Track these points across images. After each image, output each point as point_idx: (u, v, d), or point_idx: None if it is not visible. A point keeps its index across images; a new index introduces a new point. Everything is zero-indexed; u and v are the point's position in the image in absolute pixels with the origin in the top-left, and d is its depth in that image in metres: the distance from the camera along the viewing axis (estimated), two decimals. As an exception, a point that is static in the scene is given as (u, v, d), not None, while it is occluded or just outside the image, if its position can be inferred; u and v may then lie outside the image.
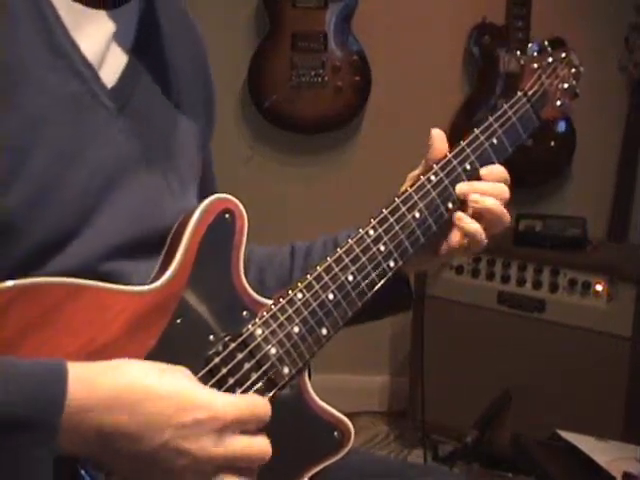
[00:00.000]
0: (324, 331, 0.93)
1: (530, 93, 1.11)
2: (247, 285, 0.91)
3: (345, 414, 0.95)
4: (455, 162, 1.03)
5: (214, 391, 0.81)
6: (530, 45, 1.15)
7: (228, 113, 2.74)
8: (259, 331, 0.89)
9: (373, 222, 0.98)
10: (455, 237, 1.02)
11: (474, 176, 1.04)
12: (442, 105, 2.70)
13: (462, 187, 1.03)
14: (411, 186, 1.01)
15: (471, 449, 2.25)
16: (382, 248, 0.97)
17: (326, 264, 0.94)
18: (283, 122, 2.72)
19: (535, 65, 1.13)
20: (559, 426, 1.90)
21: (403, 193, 1.00)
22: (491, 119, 1.07)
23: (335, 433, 0.94)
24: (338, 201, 2.79)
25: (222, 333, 0.88)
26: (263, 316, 0.90)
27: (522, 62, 1.13)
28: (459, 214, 1.01)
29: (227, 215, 0.90)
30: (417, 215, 1.00)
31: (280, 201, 2.78)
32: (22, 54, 0.83)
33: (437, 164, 1.02)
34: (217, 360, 0.86)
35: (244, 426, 0.79)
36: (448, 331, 2.44)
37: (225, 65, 2.47)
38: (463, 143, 1.04)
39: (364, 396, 2.82)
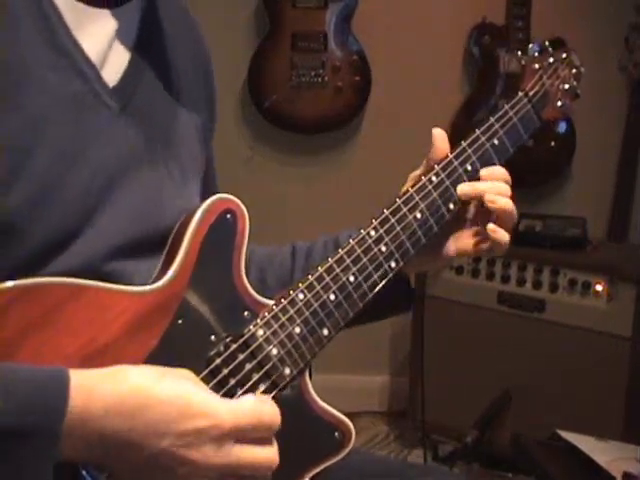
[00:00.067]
0: (325, 332, 0.93)
1: (531, 93, 1.11)
2: (248, 285, 0.91)
3: (345, 414, 0.95)
4: (456, 163, 1.03)
5: (217, 397, 0.79)
6: (531, 45, 1.15)
7: (228, 113, 2.74)
8: (260, 332, 0.89)
9: (374, 223, 0.97)
10: (476, 243, 1.04)
11: (475, 177, 1.04)
12: (442, 105, 2.70)
13: (463, 188, 1.03)
14: (412, 186, 1.01)
15: (471, 449, 2.25)
16: (383, 249, 0.97)
17: (327, 265, 0.94)
18: (283, 122, 2.72)
19: (536, 65, 1.13)
20: (559, 426, 1.90)
21: (404, 194, 1.00)
22: (492, 119, 1.07)
23: (336, 434, 0.94)
24: (338, 201, 2.79)
25: (223, 334, 0.88)
26: (264, 317, 0.90)
27: (523, 62, 1.13)
28: (492, 226, 1.02)
29: (229, 215, 0.90)
30: (418, 216, 1.00)
31: (280, 201, 2.78)
32: (24, 54, 0.83)
33: (438, 164, 1.02)
34: (218, 361, 0.86)
35: (248, 434, 0.78)
36: (448, 331, 2.44)
37: (225, 65, 2.46)
38: (464, 143, 1.04)
39: (364, 396, 2.82)
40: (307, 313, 0.91)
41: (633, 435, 2.05)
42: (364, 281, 0.96)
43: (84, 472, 0.76)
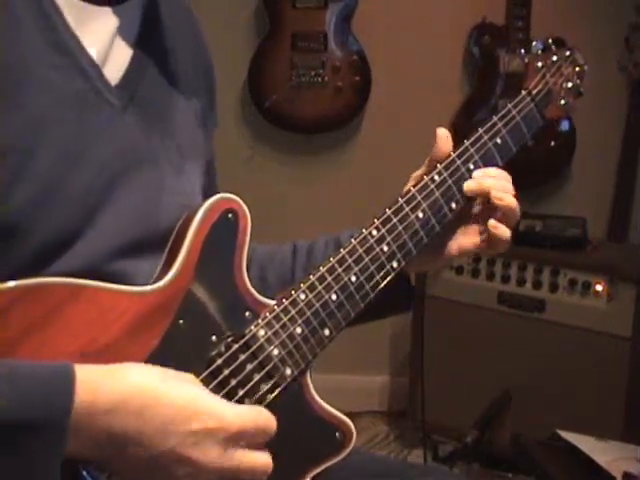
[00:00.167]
0: (327, 332, 0.93)
1: (534, 92, 1.11)
2: (250, 285, 0.91)
3: (345, 414, 0.95)
4: (459, 162, 1.03)
5: (223, 401, 0.80)
6: (534, 43, 1.15)
7: (228, 113, 2.74)
8: (262, 332, 0.89)
9: (376, 222, 0.97)
10: (478, 240, 1.04)
11: None
12: (442, 105, 2.70)
13: (470, 184, 1.03)
14: (414, 186, 1.01)
15: (471, 449, 2.25)
16: (385, 248, 0.97)
17: (329, 265, 0.93)
18: (283, 122, 2.72)
19: (539, 64, 1.13)
20: (559, 426, 1.90)
21: (406, 193, 1.00)
22: (495, 118, 1.07)
23: (337, 434, 0.94)
24: (338, 201, 2.79)
25: (224, 334, 0.88)
26: (266, 317, 0.90)
27: (526, 60, 1.13)
28: (494, 222, 1.02)
29: (230, 215, 0.90)
30: (420, 215, 1.00)
31: (280, 201, 2.78)
32: (25, 53, 0.83)
33: (441, 164, 1.02)
34: (219, 361, 0.86)
35: (250, 439, 0.79)
36: (448, 331, 2.44)
37: (225, 65, 2.45)
38: (467, 142, 1.04)
39: (364, 396, 2.82)
40: (308, 313, 0.91)
41: (633, 435, 2.05)
42: (366, 281, 0.96)
43: (84, 472, 0.76)
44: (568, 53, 1.16)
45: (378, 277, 0.97)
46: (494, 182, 1.03)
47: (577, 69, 1.16)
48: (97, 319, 0.80)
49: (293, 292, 0.91)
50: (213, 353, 0.86)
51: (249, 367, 0.87)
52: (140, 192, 0.90)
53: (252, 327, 0.89)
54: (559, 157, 2.70)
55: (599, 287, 2.26)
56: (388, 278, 0.97)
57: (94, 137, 0.86)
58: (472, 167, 1.04)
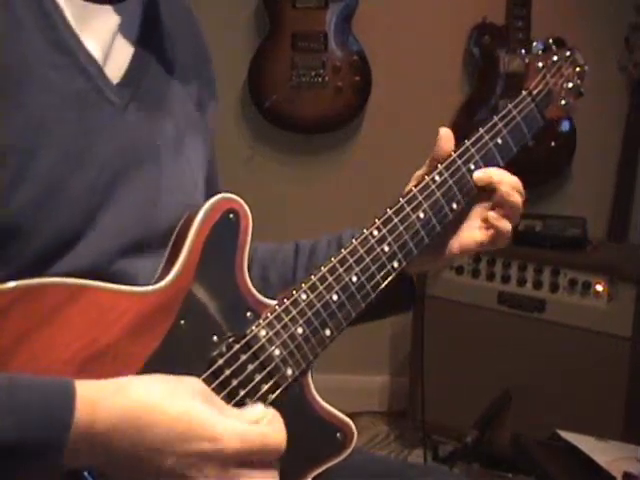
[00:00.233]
0: (327, 332, 0.93)
1: (535, 92, 1.11)
2: (251, 286, 0.91)
3: (345, 414, 0.95)
4: (460, 162, 1.03)
5: (224, 418, 0.78)
6: (535, 43, 1.15)
7: (228, 113, 2.74)
8: (263, 332, 0.89)
9: (377, 222, 0.97)
10: (479, 235, 1.03)
11: None
12: (442, 105, 2.70)
13: (479, 174, 1.03)
14: (415, 186, 1.01)
15: (471, 449, 2.25)
16: (386, 249, 0.97)
17: (330, 265, 0.93)
18: (283, 122, 2.72)
19: (540, 64, 1.13)
20: (559, 426, 1.90)
21: (407, 193, 1.00)
22: (496, 118, 1.07)
23: (338, 434, 0.94)
24: (338, 201, 2.79)
25: (226, 334, 0.88)
26: (267, 317, 0.89)
27: (527, 61, 1.13)
28: (493, 214, 1.02)
29: (231, 215, 0.90)
30: (421, 215, 1.00)
31: (280, 201, 2.78)
32: (25, 53, 0.83)
33: (442, 164, 1.02)
34: (221, 362, 0.86)
35: (253, 457, 0.78)
36: (448, 331, 2.44)
37: (225, 65, 2.45)
38: (468, 143, 1.04)
39: (364, 396, 2.82)
40: (310, 313, 0.91)
41: (633, 435, 2.05)
42: (367, 281, 0.96)
43: (85, 473, 0.76)
44: (568, 53, 1.16)
45: (379, 277, 0.97)
46: (501, 174, 1.03)
47: (577, 69, 1.16)
48: (98, 319, 0.80)
49: (294, 292, 0.91)
50: (214, 353, 0.86)
51: (250, 367, 0.87)
52: (141, 191, 0.90)
53: (253, 327, 0.89)
54: (559, 157, 2.70)
55: (599, 287, 2.26)
56: (389, 278, 0.97)
57: (95, 136, 0.86)
58: (473, 167, 1.04)
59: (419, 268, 1.09)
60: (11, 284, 0.76)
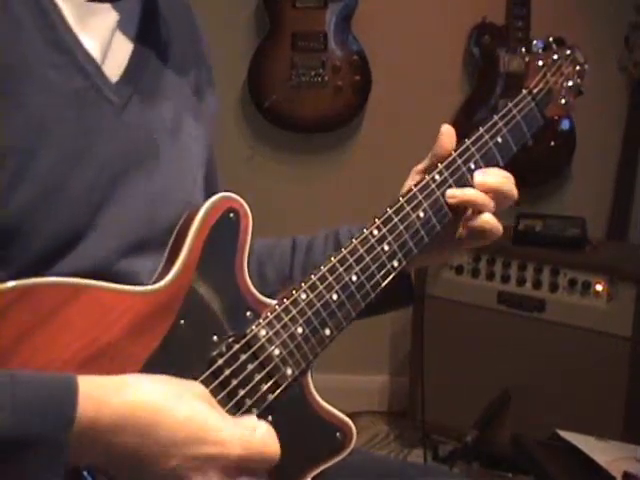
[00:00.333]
0: (327, 332, 0.92)
1: (535, 91, 1.11)
2: (251, 285, 0.91)
3: (345, 414, 0.95)
4: (460, 161, 1.03)
5: (229, 422, 0.79)
6: (535, 42, 1.15)
7: (228, 113, 2.74)
8: (263, 332, 0.88)
9: (377, 222, 0.97)
10: (469, 232, 1.03)
11: None
12: (442, 105, 2.70)
13: (454, 192, 1.02)
14: (415, 185, 1.00)
15: (471, 449, 2.25)
16: (386, 248, 0.97)
17: (330, 264, 0.93)
18: (283, 122, 2.72)
19: (540, 62, 1.13)
20: (559, 426, 1.90)
21: (407, 192, 1.00)
22: (496, 117, 1.06)
23: (337, 434, 0.94)
24: (338, 201, 2.79)
25: (226, 334, 0.88)
26: (267, 317, 0.89)
27: (527, 59, 1.13)
28: (487, 216, 1.01)
29: (232, 214, 0.90)
30: (421, 215, 1.00)
31: (280, 200, 2.78)
32: (24, 53, 0.82)
33: (442, 163, 1.02)
34: (220, 361, 0.86)
35: (252, 464, 0.78)
36: (448, 331, 2.44)
37: (225, 65, 2.46)
38: (468, 142, 1.04)
39: (364, 396, 2.82)
40: (309, 313, 0.91)
41: (633, 435, 2.05)
42: (367, 281, 0.95)
43: (85, 473, 0.76)
44: (569, 52, 1.16)
45: (379, 276, 0.96)
46: (476, 195, 1.01)
47: (577, 68, 1.16)
48: (97, 319, 0.80)
49: (294, 292, 0.91)
50: (214, 353, 0.86)
51: (250, 367, 0.87)
52: (141, 190, 0.90)
53: (253, 327, 0.88)
54: (559, 157, 2.70)
55: (599, 287, 2.26)
56: (389, 278, 0.97)
57: (94, 136, 0.86)
58: (473, 166, 1.03)
59: (418, 264, 1.09)
60: (10, 284, 0.76)
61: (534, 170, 2.62)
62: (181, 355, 0.84)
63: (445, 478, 1.23)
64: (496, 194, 1.02)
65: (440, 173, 1.02)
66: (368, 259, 0.96)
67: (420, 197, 1.00)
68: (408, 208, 0.99)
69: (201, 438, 0.75)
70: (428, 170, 1.03)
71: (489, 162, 1.05)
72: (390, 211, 0.98)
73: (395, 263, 0.98)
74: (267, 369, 0.88)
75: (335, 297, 0.93)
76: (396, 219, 0.98)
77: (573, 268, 2.31)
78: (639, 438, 1.94)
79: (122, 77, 0.91)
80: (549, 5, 2.69)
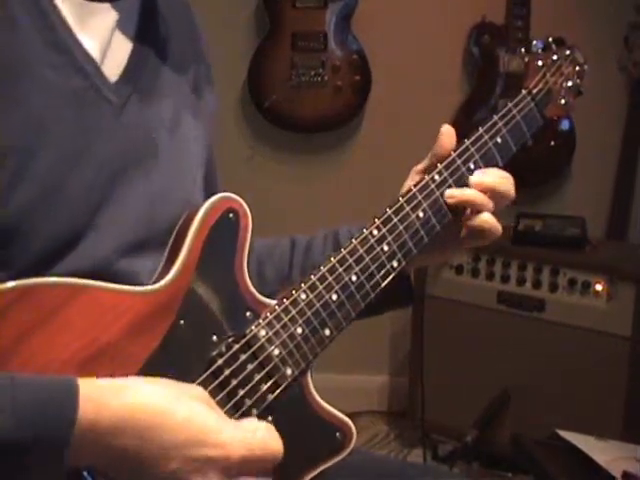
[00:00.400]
0: (327, 332, 0.92)
1: (535, 91, 1.11)
2: (251, 285, 0.91)
3: (345, 414, 0.95)
4: (459, 161, 1.03)
5: (229, 424, 0.79)
6: (534, 42, 1.15)
7: (228, 113, 2.74)
8: (262, 332, 0.88)
9: (377, 222, 0.97)
10: (469, 232, 1.02)
11: None
12: (442, 105, 2.70)
13: (452, 192, 1.02)
14: (415, 185, 1.00)
15: (471, 449, 2.25)
16: (386, 248, 0.97)
17: (330, 264, 0.93)
18: (283, 122, 2.72)
19: (540, 63, 1.13)
20: (559, 426, 1.90)
21: (407, 192, 1.00)
22: (495, 117, 1.06)
23: (337, 434, 0.94)
24: (338, 200, 2.79)
25: (225, 334, 0.88)
26: (267, 317, 0.89)
27: (526, 60, 1.13)
28: (487, 216, 1.01)
29: (231, 214, 0.90)
30: (421, 215, 1.00)
31: (280, 200, 2.77)
32: (23, 53, 0.82)
33: (441, 163, 1.02)
34: (220, 361, 0.86)
35: (254, 464, 0.78)
36: (448, 331, 2.43)
37: (225, 65, 2.46)
38: (467, 142, 1.04)
39: (364, 396, 2.82)
40: (309, 313, 0.91)
41: (633, 435, 2.05)
42: (366, 281, 0.95)
43: (85, 473, 0.76)
44: (568, 52, 1.16)
45: (378, 277, 0.96)
46: (475, 195, 1.01)
47: (577, 68, 1.16)
48: (97, 319, 0.80)
49: (294, 292, 0.91)
50: (214, 353, 0.86)
51: (250, 367, 0.87)
52: (140, 190, 0.90)
53: (253, 327, 0.89)
54: (559, 157, 2.70)
55: (599, 287, 2.26)
56: (389, 278, 0.97)
57: (93, 136, 0.86)
58: (472, 167, 1.03)
59: (418, 264, 1.09)
60: (10, 284, 0.76)
61: (534, 170, 2.62)
62: (181, 355, 0.84)
63: (445, 478, 1.23)
64: (493, 194, 1.02)
65: (440, 173, 1.02)
66: (368, 259, 0.96)
67: (420, 197, 1.00)
68: (408, 208, 0.99)
69: (201, 440, 0.75)
70: (428, 170, 1.03)
71: (489, 162, 1.05)
72: (390, 211, 0.98)
73: (395, 263, 0.98)
74: (267, 369, 0.88)
75: (335, 297, 0.93)
76: (396, 219, 0.98)
77: (573, 268, 2.31)
78: (639, 438, 1.94)
79: (121, 77, 0.91)
80: (549, 5, 2.69)
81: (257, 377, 0.88)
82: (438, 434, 2.48)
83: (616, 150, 2.71)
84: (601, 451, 1.77)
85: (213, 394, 0.83)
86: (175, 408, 0.75)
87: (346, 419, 0.94)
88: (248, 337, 0.88)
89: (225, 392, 0.86)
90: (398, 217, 0.98)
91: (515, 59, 2.61)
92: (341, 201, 2.77)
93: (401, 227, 0.98)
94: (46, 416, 0.70)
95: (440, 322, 2.42)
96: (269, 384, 0.88)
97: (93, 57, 0.88)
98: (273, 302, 0.91)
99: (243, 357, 0.87)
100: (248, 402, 0.87)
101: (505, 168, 1.06)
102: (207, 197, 0.91)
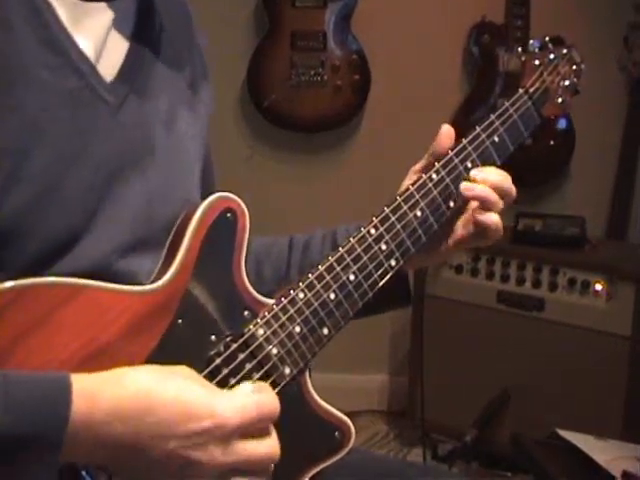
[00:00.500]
0: (325, 331, 0.92)
1: (531, 90, 1.11)
2: (249, 284, 0.91)
3: (344, 413, 0.95)
4: (457, 160, 1.03)
5: (219, 394, 0.79)
6: (531, 42, 1.15)
7: (227, 112, 2.74)
8: (261, 331, 0.88)
9: (375, 221, 0.97)
10: (472, 229, 1.02)
11: None
12: (442, 105, 2.70)
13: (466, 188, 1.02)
14: (413, 184, 1.01)
15: (470, 448, 2.25)
16: (384, 247, 0.97)
17: (328, 263, 0.93)
18: (283, 121, 2.72)
19: (536, 62, 1.13)
20: (558, 425, 1.90)
21: (405, 191, 1.00)
22: (492, 117, 1.07)
23: (336, 433, 0.94)
24: (338, 200, 2.79)
25: (223, 333, 0.88)
26: (265, 316, 0.89)
27: (523, 59, 1.13)
28: (475, 209, 1.01)
29: (229, 214, 0.90)
30: (419, 214, 1.00)
31: (280, 200, 2.78)
32: (18, 54, 0.82)
33: (439, 162, 1.02)
34: (218, 361, 0.86)
35: (252, 427, 0.78)
36: (448, 330, 2.44)
37: (224, 64, 2.47)
38: (465, 141, 1.04)
39: (364, 395, 2.82)
40: (307, 312, 0.91)
41: (633, 434, 2.05)
42: (364, 280, 0.95)
43: (84, 472, 0.76)
44: (565, 51, 1.16)
45: (376, 276, 0.96)
46: (490, 192, 1.01)
47: (574, 67, 1.16)
48: (95, 319, 0.80)
49: (292, 291, 0.91)
50: (212, 353, 0.86)
51: (248, 366, 0.87)
52: (138, 189, 0.90)
53: (251, 326, 0.89)
54: (558, 156, 2.70)
55: (598, 286, 2.26)
56: (386, 277, 0.97)
57: (90, 136, 0.86)
58: (470, 165, 1.04)
59: (416, 265, 1.09)
60: (8, 284, 0.76)
61: (533, 169, 2.62)
62: (179, 354, 0.84)
63: (444, 477, 1.23)
64: (498, 192, 1.02)
65: (437, 172, 1.02)
66: (365, 258, 0.96)
67: (417, 196, 1.00)
68: (405, 207, 0.99)
69: (193, 414, 0.75)
70: (425, 169, 1.03)
71: (486, 161, 1.05)
72: (387, 210, 0.98)
73: (392, 262, 0.98)
74: (265, 368, 0.88)
75: (333, 296, 0.93)
76: (393, 218, 0.98)
77: (572, 267, 2.31)
78: (638, 437, 1.94)
79: (117, 76, 0.90)
80: (548, 4, 2.69)
81: (255, 376, 0.88)
82: (438, 433, 2.48)
83: (616, 150, 2.71)
84: (601, 451, 1.77)
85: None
86: (163, 387, 0.75)
87: (345, 418, 0.94)
88: (246, 336, 0.88)
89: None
90: (396, 216, 0.98)
91: (514, 58, 2.61)
92: (341, 201, 2.77)
93: (399, 226, 0.98)
94: (39, 413, 0.70)
95: (440, 322, 2.42)
96: (267, 383, 0.88)
97: (88, 57, 0.88)
98: (271, 301, 0.91)
99: (241, 356, 0.87)
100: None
101: (504, 168, 1.06)
102: (204, 194, 0.90)
